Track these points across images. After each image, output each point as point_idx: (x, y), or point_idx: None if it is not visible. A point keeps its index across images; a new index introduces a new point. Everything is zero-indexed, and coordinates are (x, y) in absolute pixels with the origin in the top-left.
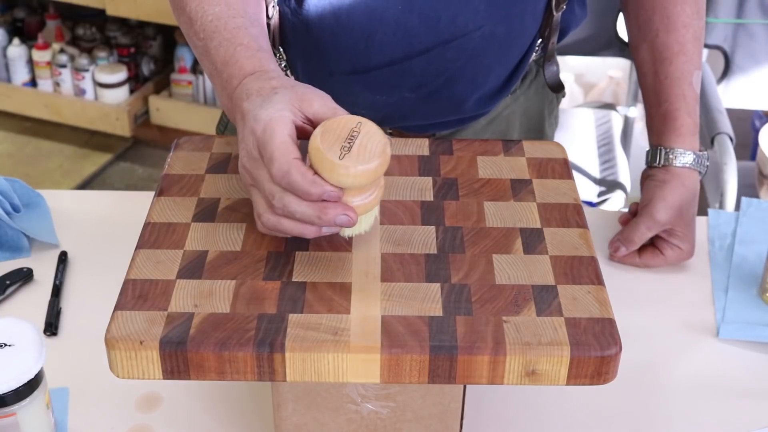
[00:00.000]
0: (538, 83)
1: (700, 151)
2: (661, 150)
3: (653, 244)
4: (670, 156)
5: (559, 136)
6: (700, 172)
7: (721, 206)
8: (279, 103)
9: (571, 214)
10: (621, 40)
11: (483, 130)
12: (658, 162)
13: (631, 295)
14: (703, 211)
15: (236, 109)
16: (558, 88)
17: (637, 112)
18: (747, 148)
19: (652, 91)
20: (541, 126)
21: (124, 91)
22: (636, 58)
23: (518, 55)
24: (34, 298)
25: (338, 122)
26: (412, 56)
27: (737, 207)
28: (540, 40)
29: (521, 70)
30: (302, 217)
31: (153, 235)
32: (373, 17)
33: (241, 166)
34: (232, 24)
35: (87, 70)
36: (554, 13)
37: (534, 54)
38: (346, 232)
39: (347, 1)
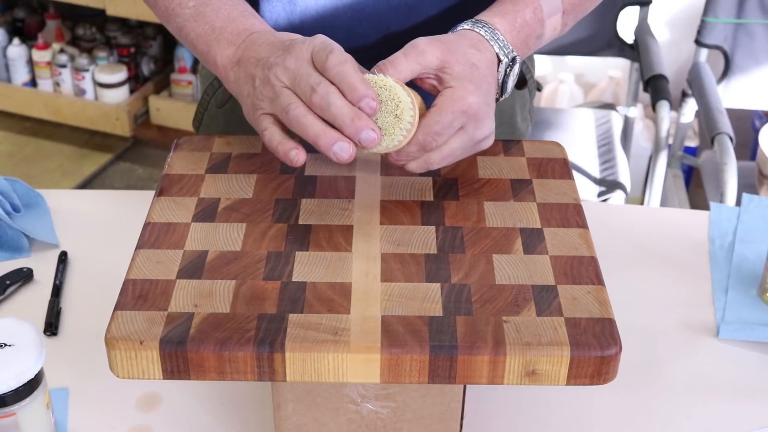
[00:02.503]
0: None
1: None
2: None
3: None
4: (468, 24)
5: (559, 136)
6: (497, 55)
7: None
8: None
9: (571, 214)
10: (621, 40)
11: None
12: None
13: (631, 295)
14: (704, 206)
15: (254, 50)
16: (520, 84)
17: (637, 112)
18: (747, 148)
19: None
20: (513, 121)
21: (124, 91)
22: None
23: None
24: (34, 298)
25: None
26: (365, 61)
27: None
28: None
29: None
30: (336, 113)
31: (153, 235)
32: (324, 24)
33: (273, 75)
34: None
35: (87, 70)
36: None
37: None
38: (373, 149)
39: (299, 9)
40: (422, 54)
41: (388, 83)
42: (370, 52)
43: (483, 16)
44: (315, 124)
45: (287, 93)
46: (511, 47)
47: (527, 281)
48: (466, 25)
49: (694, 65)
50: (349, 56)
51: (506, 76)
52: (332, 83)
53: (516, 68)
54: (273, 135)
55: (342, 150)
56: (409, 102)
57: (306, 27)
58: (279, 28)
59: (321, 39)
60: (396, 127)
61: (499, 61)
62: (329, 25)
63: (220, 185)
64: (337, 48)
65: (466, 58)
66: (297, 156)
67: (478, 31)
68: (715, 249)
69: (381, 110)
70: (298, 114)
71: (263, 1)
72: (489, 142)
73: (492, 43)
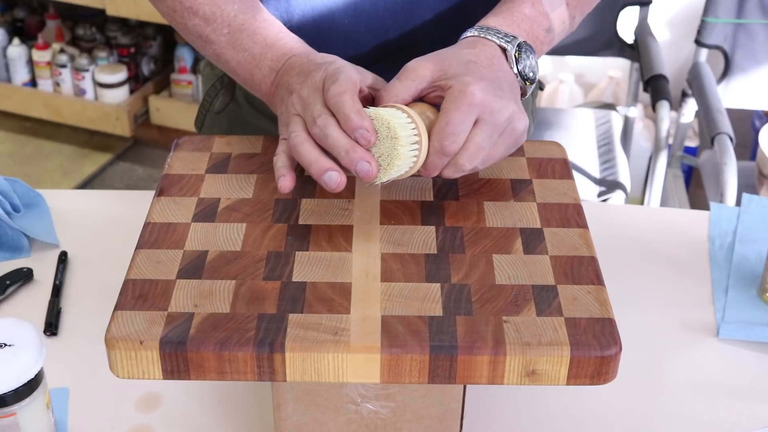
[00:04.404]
0: None
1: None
2: (475, 28)
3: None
4: (475, 31)
5: (559, 136)
6: (500, 45)
7: None
8: (345, 63)
9: (571, 214)
10: (621, 40)
11: None
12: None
13: (631, 295)
14: (704, 206)
15: (288, 75)
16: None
17: (637, 112)
18: (747, 148)
19: None
20: None
21: (124, 91)
22: None
23: None
24: (34, 298)
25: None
26: (363, 65)
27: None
28: None
29: None
30: (332, 143)
31: (153, 235)
32: (322, 29)
33: (290, 102)
34: (260, 17)
35: (87, 70)
36: None
37: None
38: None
39: (297, 14)
40: (414, 71)
41: (381, 113)
42: (369, 57)
43: (479, 22)
44: (310, 152)
45: (295, 121)
46: (513, 35)
47: (527, 281)
48: (462, 36)
49: (694, 65)
50: (350, 86)
51: (518, 62)
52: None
53: (530, 54)
54: (278, 159)
55: (330, 179)
56: (402, 120)
57: (303, 33)
58: None
59: (334, 66)
60: (398, 149)
61: (505, 51)
62: (327, 30)
63: (220, 185)
64: (344, 76)
65: (460, 59)
66: (282, 182)
67: (470, 34)
68: (715, 249)
69: (379, 140)
70: (297, 142)
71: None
72: (522, 125)
73: (489, 38)
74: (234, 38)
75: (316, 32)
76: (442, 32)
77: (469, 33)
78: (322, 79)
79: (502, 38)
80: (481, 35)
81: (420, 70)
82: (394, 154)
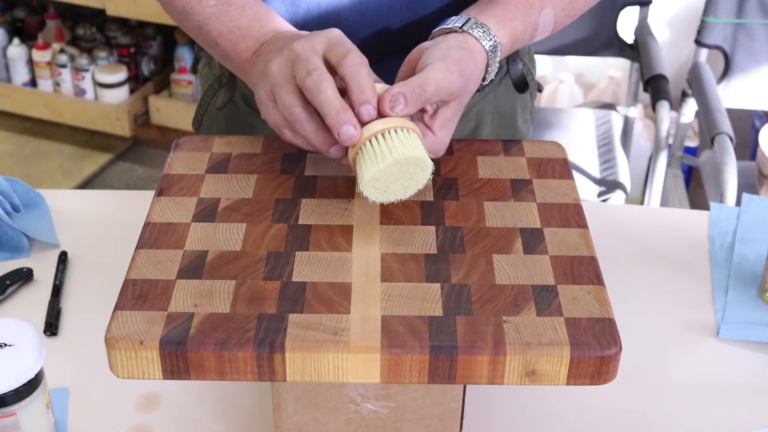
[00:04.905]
0: (508, 80)
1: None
2: (470, 19)
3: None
4: (471, 26)
5: (559, 136)
6: (486, 51)
7: None
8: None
9: (571, 214)
10: (621, 40)
11: None
12: (460, 25)
13: (631, 295)
14: (704, 206)
15: (275, 43)
16: (522, 87)
17: (637, 112)
18: (747, 148)
19: None
20: (514, 123)
21: (124, 91)
22: None
23: None
24: (34, 298)
25: None
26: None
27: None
28: None
29: None
30: (324, 100)
31: (153, 235)
32: (327, 25)
33: (278, 61)
34: None
35: (87, 70)
36: None
37: None
38: (379, 198)
39: (302, 13)
40: (440, 90)
41: (421, 152)
42: (372, 55)
43: (491, 19)
44: (334, 98)
45: (289, 87)
46: (496, 39)
47: (527, 281)
48: (488, 40)
49: (694, 65)
50: (366, 62)
51: (488, 67)
52: (342, 78)
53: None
54: (298, 114)
55: (348, 134)
56: (428, 164)
57: (308, 29)
58: None
59: (338, 32)
60: (420, 184)
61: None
62: (332, 26)
63: (220, 185)
64: (358, 52)
65: (471, 88)
66: (349, 131)
67: (474, 33)
68: (715, 249)
69: (405, 167)
70: (318, 80)
71: (266, 1)
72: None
73: (483, 42)
74: (221, 10)
75: (321, 27)
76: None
77: (475, 31)
78: (323, 41)
79: (489, 40)
80: (487, 49)
81: (445, 88)
82: (412, 185)
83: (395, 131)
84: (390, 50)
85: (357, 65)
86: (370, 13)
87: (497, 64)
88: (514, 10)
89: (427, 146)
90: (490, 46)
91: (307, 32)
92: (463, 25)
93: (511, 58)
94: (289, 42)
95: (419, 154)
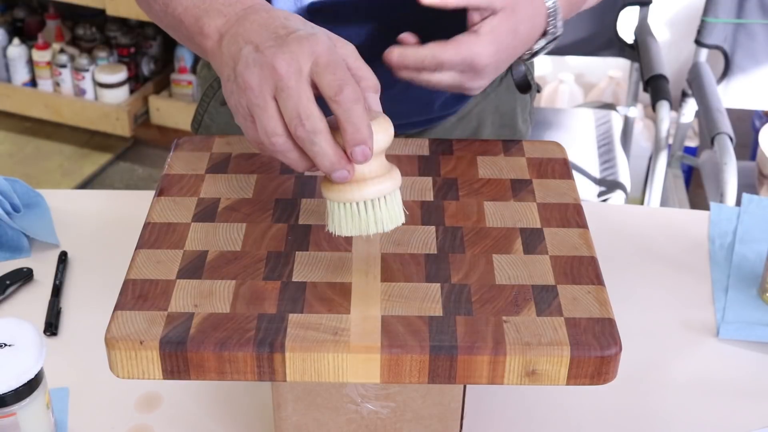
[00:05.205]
0: (509, 80)
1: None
2: None
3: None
4: None
5: (559, 136)
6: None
7: None
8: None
9: (571, 214)
10: (621, 40)
11: (453, 127)
12: None
13: (631, 295)
14: (704, 206)
15: (244, 27)
16: (525, 88)
17: (637, 112)
18: (747, 148)
19: None
20: (514, 123)
21: (124, 91)
22: None
23: None
24: (34, 298)
25: None
26: (375, 62)
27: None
28: None
29: None
30: (319, 152)
31: (153, 235)
32: (336, 25)
33: (253, 70)
34: None
35: (87, 70)
36: None
37: None
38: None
39: (309, 9)
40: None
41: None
42: (384, 42)
43: None
44: (331, 148)
45: (271, 112)
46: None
47: (527, 281)
48: None
49: (694, 65)
50: (373, 84)
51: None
52: (335, 114)
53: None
54: (281, 145)
55: (341, 177)
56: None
57: (320, 16)
58: None
59: (325, 47)
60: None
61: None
62: (341, 25)
63: (220, 185)
64: (352, 82)
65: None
66: (344, 175)
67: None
68: (715, 249)
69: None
70: (315, 130)
71: None
72: (475, 93)
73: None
74: None
75: (329, 27)
76: (456, 30)
77: None
78: (310, 59)
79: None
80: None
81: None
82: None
83: (384, 198)
84: (371, 60)
85: (351, 102)
86: (378, 9)
87: (559, 23)
88: None
89: (461, 50)
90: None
91: (278, 12)
92: None
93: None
94: (267, 40)
95: (398, 221)
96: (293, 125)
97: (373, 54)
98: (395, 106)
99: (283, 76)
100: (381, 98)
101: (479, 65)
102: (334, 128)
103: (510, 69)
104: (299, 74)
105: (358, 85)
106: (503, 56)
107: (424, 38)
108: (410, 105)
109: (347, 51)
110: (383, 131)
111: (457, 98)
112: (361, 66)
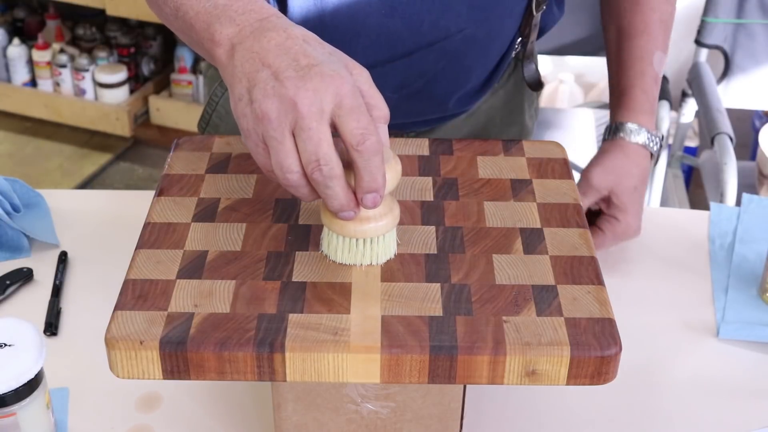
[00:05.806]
0: (517, 76)
1: (655, 131)
2: (612, 125)
3: (594, 224)
4: (620, 130)
5: (559, 136)
6: (651, 153)
7: None
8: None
9: (571, 214)
10: None
11: (462, 124)
12: (607, 136)
13: (631, 295)
14: (704, 206)
15: (261, 45)
16: (537, 86)
17: None
18: (747, 148)
19: (614, 68)
20: (521, 118)
21: (124, 91)
22: (605, 38)
23: (498, 54)
24: (34, 298)
25: None
26: (394, 59)
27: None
28: (520, 38)
29: (501, 68)
30: (331, 194)
31: (153, 235)
32: (356, 21)
33: (272, 100)
34: None
35: (87, 70)
36: (534, 13)
37: (513, 52)
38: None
39: (331, 6)
40: (595, 189)
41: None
42: (401, 50)
43: (636, 115)
44: (344, 192)
45: (288, 148)
46: (659, 141)
47: (527, 281)
48: (637, 136)
49: (694, 65)
50: (382, 146)
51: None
52: (353, 162)
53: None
54: (298, 185)
55: (348, 216)
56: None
57: (338, 23)
58: (309, 25)
59: (349, 90)
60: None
61: (650, 153)
62: (361, 21)
63: (220, 185)
64: (376, 132)
65: (629, 182)
66: (350, 216)
67: (646, 145)
68: (715, 249)
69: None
70: (330, 176)
71: None
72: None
73: (650, 148)
74: None
75: (350, 23)
76: (476, 26)
77: (637, 137)
78: (334, 100)
79: (652, 144)
80: (646, 145)
81: (601, 190)
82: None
83: (383, 236)
84: (418, 45)
85: (372, 153)
86: (402, 6)
87: (657, 136)
88: (637, 84)
89: (617, 233)
90: (642, 138)
91: (297, 32)
92: (609, 135)
93: (525, 58)
94: (287, 69)
95: (391, 254)
96: (310, 168)
97: (394, 51)
98: (413, 104)
99: (304, 116)
100: (393, 98)
101: (630, 232)
102: (346, 165)
103: (522, 67)
104: (321, 115)
105: (379, 136)
106: (640, 205)
107: (446, 37)
108: (427, 103)
109: (362, 78)
110: (394, 174)
111: (470, 97)
112: (374, 94)
